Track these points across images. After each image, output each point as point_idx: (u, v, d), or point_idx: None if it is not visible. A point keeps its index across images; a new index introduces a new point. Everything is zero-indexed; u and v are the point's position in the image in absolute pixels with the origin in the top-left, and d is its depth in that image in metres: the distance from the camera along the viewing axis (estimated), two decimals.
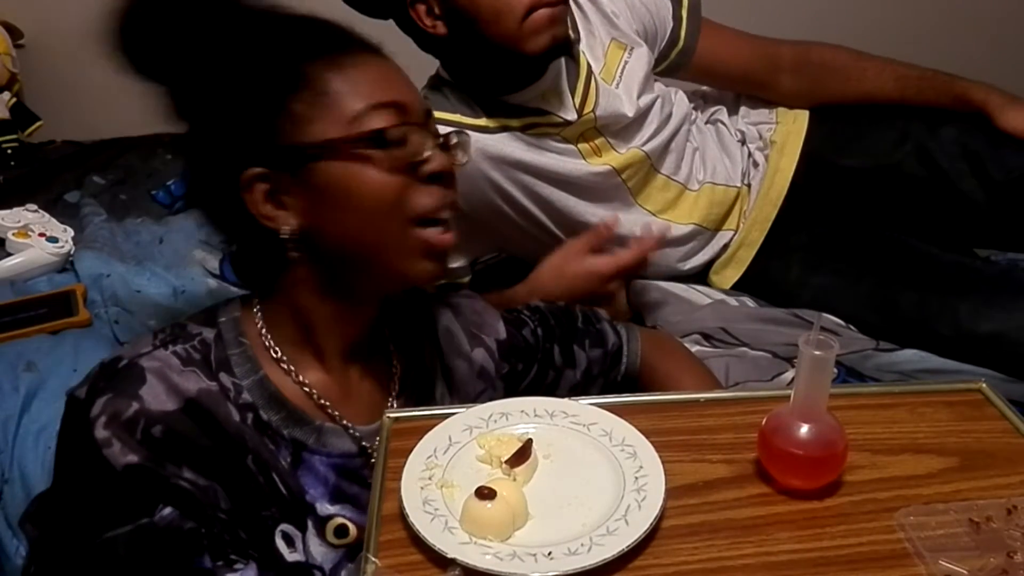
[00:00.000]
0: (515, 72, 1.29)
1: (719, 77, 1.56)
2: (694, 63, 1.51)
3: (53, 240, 1.55)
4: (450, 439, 0.79)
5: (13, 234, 1.55)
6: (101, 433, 0.75)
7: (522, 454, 0.76)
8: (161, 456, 0.77)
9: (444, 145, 0.85)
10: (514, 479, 0.75)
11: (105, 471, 0.75)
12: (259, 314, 0.86)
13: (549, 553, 0.67)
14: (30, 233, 1.55)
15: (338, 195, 0.80)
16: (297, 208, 0.81)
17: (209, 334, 0.84)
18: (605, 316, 1.13)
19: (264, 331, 0.85)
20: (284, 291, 0.86)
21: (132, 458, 0.75)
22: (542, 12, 1.20)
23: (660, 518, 0.70)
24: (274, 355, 0.85)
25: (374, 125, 0.80)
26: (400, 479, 0.74)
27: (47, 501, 0.83)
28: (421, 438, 0.79)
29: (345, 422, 0.87)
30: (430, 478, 0.75)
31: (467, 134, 0.88)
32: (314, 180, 0.80)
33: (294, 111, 0.80)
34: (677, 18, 1.48)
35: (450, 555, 0.66)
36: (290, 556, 0.83)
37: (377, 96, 0.81)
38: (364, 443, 0.88)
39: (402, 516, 0.71)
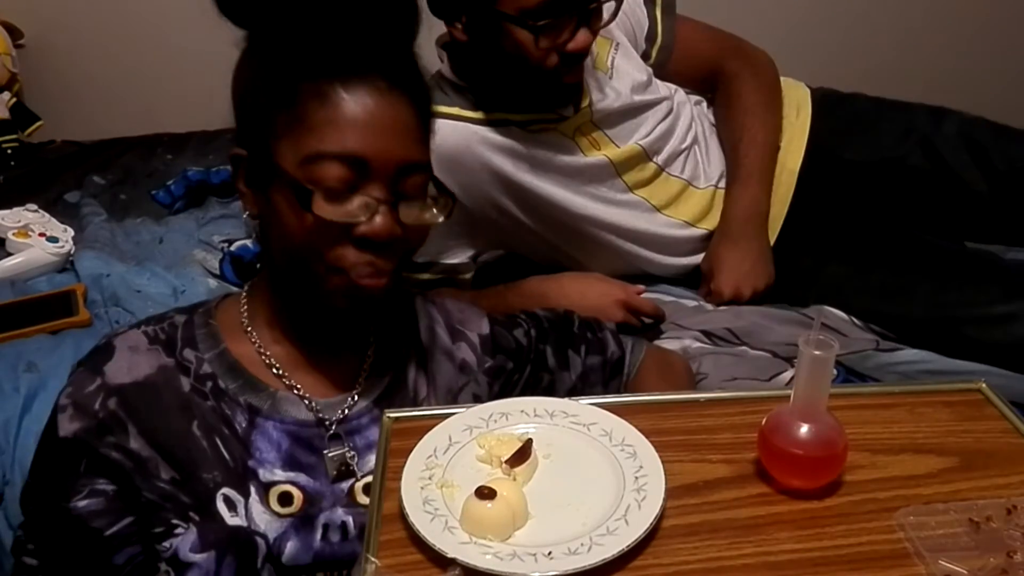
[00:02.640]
0: (526, 84, 1.30)
1: (696, 69, 1.56)
2: (675, 58, 1.52)
3: (53, 240, 1.55)
4: (450, 439, 0.79)
5: (13, 234, 1.55)
6: (62, 401, 0.86)
7: (522, 454, 0.76)
8: (108, 427, 0.84)
9: (411, 199, 0.83)
10: (514, 479, 0.74)
11: (51, 437, 0.85)
12: (245, 296, 0.93)
13: (549, 553, 0.67)
14: (30, 233, 1.55)
15: (277, 220, 0.83)
16: (258, 203, 0.86)
17: (180, 319, 0.91)
18: (611, 327, 1.13)
19: (245, 309, 0.92)
20: (264, 268, 0.93)
21: (76, 426, 0.84)
22: (571, 77, 1.25)
23: (660, 518, 0.70)
24: (245, 329, 0.90)
25: (318, 174, 0.80)
26: (400, 479, 0.74)
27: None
28: (421, 438, 0.79)
29: (301, 391, 0.89)
30: (430, 478, 0.75)
31: (449, 194, 0.87)
32: (270, 193, 0.83)
33: (277, 122, 0.82)
34: (652, 17, 1.50)
35: (450, 555, 0.66)
36: (231, 520, 0.84)
37: (336, 144, 0.80)
38: (321, 415, 0.89)
39: (402, 516, 0.71)
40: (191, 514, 0.84)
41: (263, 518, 0.85)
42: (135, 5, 2.17)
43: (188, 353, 0.88)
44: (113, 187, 1.84)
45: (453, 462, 0.77)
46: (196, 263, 1.57)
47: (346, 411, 0.90)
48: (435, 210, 0.86)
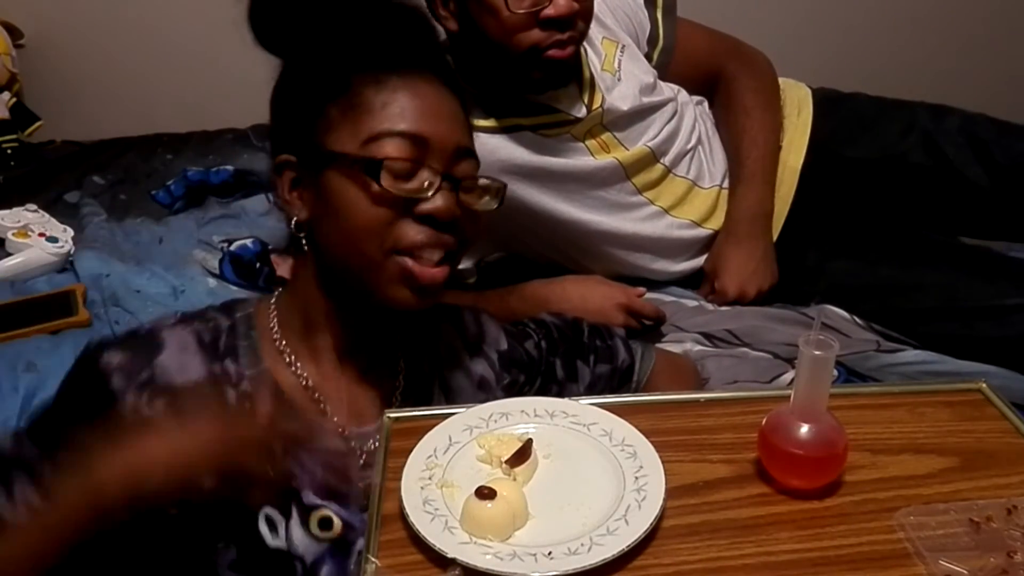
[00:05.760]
0: (514, 66, 1.29)
1: (695, 71, 1.56)
2: (676, 60, 1.52)
3: (53, 240, 1.55)
4: (450, 439, 0.79)
5: (13, 234, 1.55)
6: (117, 384, 0.81)
7: (522, 454, 0.76)
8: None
9: (467, 187, 0.86)
10: (514, 479, 0.74)
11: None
12: (274, 307, 0.91)
13: (549, 553, 0.67)
14: (30, 233, 1.55)
15: (336, 206, 0.84)
16: (308, 203, 0.86)
17: (224, 323, 0.89)
18: (620, 334, 1.12)
19: (275, 323, 0.90)
20: (298, 279, 0.91)
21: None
22: (553, 52, 1.22)
23: (660, 518, 0.70)
24: (279, 347, 0.89)
25: (382, 152, 0.82)
26: (400, 479, 0.74)
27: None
28: (421, 438, 0.79)
29: (336, 421, 0.89)
30: (430, 478, 0.74)
31: (500, 182, 0.89)
32: (324, 183, 0.84)
33: (330, 114, 0.84)
34: (653, 20, 1.51)
35: (450, 555, 0.66)
36: (272, 542, 0.83)
37: (398, 123, 0.83)
38: (353, 444, 0.89)
39: (402, 516, 0.71)
40: (231, 534, 0.82)
41: (302, 541, 0.84)
42: (135, 5, 2.17)
43: (229, 364, 0.87)
44: (113, 187, 1.84)
45: (453, 462, 0.77)
46: (196, 263, 1.57)
47: (377, 442, 0.89)
48: (488, 197, 0.88)
